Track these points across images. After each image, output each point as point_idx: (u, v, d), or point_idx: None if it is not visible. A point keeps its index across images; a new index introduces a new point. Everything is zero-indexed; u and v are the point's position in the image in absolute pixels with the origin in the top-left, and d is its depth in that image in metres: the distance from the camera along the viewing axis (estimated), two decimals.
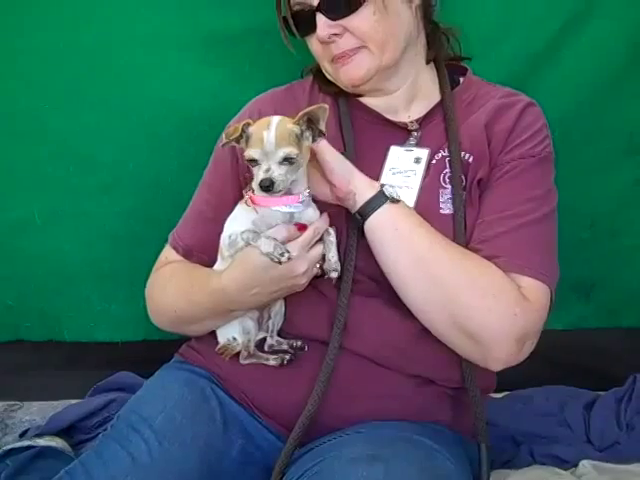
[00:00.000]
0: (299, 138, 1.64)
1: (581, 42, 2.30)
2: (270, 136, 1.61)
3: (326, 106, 1.65)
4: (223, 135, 1.70)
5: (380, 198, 1.73)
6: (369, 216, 1.73)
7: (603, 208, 2.50)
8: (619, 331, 2.63)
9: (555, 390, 2.45)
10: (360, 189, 1.74)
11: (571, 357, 2.57)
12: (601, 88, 2.35)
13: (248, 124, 1.66)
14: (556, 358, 2.45)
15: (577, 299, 2.59)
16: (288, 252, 1.65)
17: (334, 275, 1.75)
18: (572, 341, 2.57)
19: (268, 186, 1.61)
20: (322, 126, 1.65)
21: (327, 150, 1.72)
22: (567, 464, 2.13)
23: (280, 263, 1.65)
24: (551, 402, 2.39)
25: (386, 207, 1.73)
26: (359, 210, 1.74)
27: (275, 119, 1.65)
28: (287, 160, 1.62)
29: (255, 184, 1.65)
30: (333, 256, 1.75)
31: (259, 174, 1.62)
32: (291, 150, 1.61)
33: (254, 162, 1.64)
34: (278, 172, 1.61)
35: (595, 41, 2.30)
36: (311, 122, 1.66)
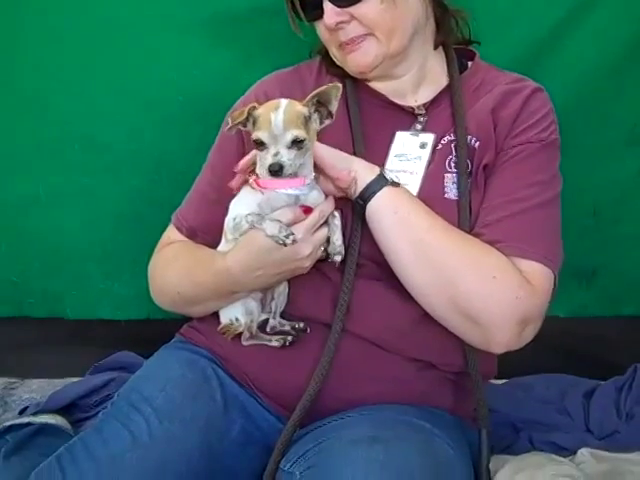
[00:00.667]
0: (307, 120, 1.63)
1: (584, 31, 2.29)
2: (278, 118, 1.60)
3: (339, 85, 1.64)
4: (229, 119, 1.68)
5: (380, 181, 1.73)
6: (370, 200, 1.72)
7: (606, 196, 2.49)
8: (620, 319, 2.63)
9: (555, 378, 2.46)
10: (360, 174, 1.73)
11: (571, 345, 2.57)
12: (604, 78, 2.34)
13: (254, 107, 1.65)
14: (556, 345, 2.44)
15: (578, 286, 2.59)
16: (293, 234, 1.64)
17: (338, 258, 1.75)
18: (572, 328, 2.57)
19: (277, 170, 1.60)
20: (333, 106, 1.65)
21: (319, 147, 1.70)
22: (566, 452, 2.13)
23: (285, 245, 1.64)
24: (551, 390, 2.39)
25: (386, 190, 1.72)
26: (360, 194, 1.73)
27: (284, 101, 1.63)
28: (295, 143, 1.61)
29: (263, 168, 1.64)
30: (338, 239, 1.74)
31: (267, 158, 1.61)
32: (299, 132, 1.60)
33: (261, 145, 1.63)
34: (287, 156, 1.60)
35: (599, 30, 2.29)
36: (320, 104, 1.65)
